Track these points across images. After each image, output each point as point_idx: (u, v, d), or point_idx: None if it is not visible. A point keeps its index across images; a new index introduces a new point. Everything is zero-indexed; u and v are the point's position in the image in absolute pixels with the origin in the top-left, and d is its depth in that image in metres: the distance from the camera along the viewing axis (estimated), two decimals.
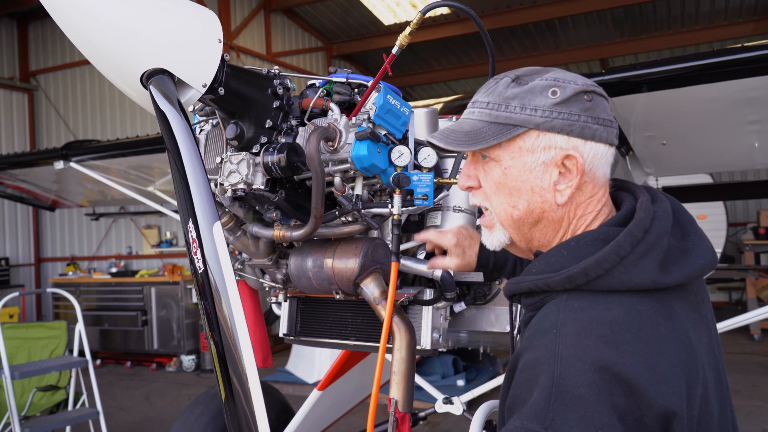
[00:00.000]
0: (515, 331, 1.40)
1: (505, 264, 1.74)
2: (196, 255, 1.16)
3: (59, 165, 4.31)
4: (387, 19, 11.43)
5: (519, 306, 1.28)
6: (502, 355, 7.22)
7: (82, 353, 4.73)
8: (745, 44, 2.50)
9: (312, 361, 7.17)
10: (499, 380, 1.72)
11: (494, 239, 1.22)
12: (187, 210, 1.19)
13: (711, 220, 8.89)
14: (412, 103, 1.87)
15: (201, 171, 1.22)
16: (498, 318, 2.17)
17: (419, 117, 1.87)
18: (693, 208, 7.77)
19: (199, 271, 1.16)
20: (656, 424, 0.94)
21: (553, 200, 1.12)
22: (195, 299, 8.93)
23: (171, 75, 1.32)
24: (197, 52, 1.35)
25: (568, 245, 1.10)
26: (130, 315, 9.06)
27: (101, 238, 11.09)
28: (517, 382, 1.02)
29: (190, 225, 1.18)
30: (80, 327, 4.72)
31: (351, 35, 12.54)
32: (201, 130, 1.80)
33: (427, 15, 1.51)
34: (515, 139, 1.12)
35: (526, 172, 1.12)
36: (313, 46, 12.53)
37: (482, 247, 1.73)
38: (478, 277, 2.06)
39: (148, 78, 1.30)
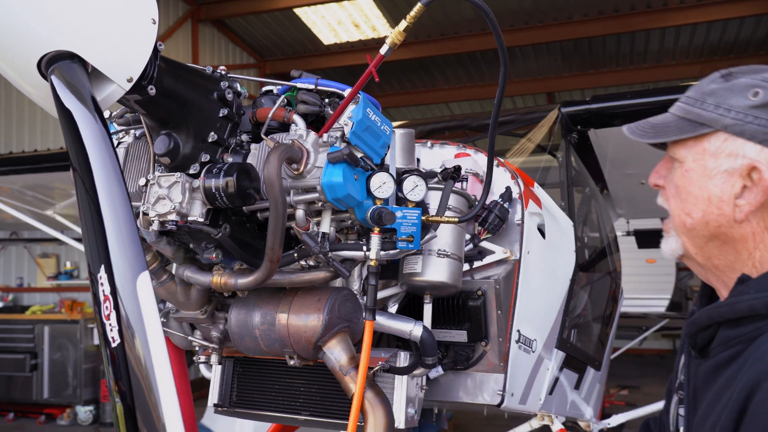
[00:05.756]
0: (685, 383, 1.18)
1: None
2: (108, 320, 0.83)
3: None
4: (327, 38, 11.32)
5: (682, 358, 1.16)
6: (459, 416, 6.87)
7: None
8: None
9: (233, 418, 6.69)
10: None
11: (666, 246, 1.19)
12: (99, 253, 0.86)
13: (661, 264, 9.03)
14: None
15: (122, 195, 0.91)
16: (478, 386, 1.92)
17: (393, 139, 1.62)
18: (643, 253, 7.84)
19: (113, 344, 0.83)
20: None
21: (731, 215, 1.04)
22: (97, 341, 8.29)
23: (83, 62, 1.03)
24: (123, 33, 1.05)
25: None
26: (16, 358, 8.46)
27: None
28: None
29: (101, 274, 0.86)
30: None
31: (287, 53, 12.34)
32: (119, 143, 1.49)
33: (405, 30, 1.29)
34: (701, 140, 1.08)
35: (706, 178, 1.08)
36: (245, 63, 12.27)
37: None
38: (461, 336, 1.80)
39: (50, 64, 0.99)
